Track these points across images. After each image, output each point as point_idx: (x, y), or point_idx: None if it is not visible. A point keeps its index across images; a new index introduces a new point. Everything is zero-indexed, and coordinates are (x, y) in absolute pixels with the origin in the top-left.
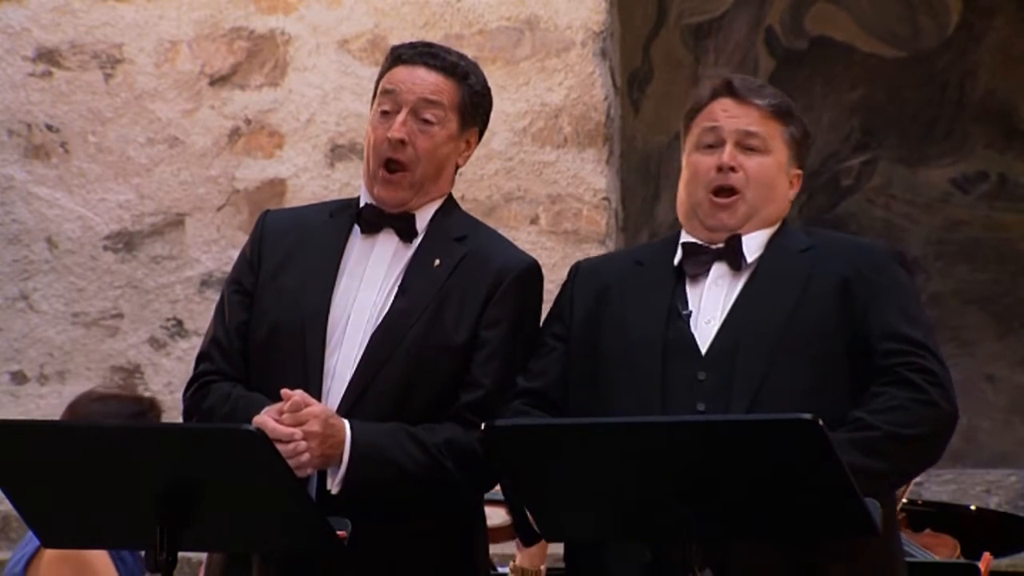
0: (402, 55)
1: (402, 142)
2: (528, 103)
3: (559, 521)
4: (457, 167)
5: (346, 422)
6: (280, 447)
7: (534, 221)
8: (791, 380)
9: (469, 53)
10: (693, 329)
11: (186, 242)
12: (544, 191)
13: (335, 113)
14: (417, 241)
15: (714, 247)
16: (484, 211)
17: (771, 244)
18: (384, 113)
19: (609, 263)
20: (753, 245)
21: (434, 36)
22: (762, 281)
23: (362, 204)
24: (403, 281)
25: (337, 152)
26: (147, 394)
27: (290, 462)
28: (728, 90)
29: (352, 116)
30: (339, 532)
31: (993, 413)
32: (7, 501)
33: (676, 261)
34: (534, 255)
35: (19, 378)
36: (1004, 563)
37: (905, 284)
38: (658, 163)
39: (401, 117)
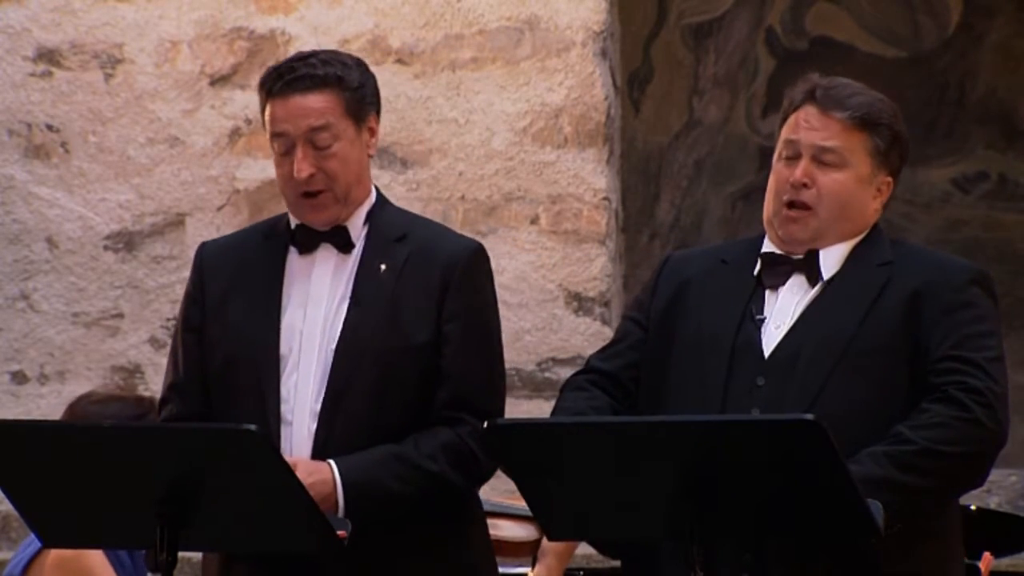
0: (271, 89)
1: (311, 175)
2: (528, 103)
3: (561, 520)
4: (370, 158)
5: (333, 467)
6: None
7: (534, 221)
8: (849, 393)
9: (469, 53)
10: (762, 334)
11: (186, 242)
12: (544, 191)
13: None
14: (357, 251)
15: (794, 258)
16: (484, 211)
17: (852, 256)
18: (281, 155)
19: (697, 258)
20: (832, 260)
21: (434, 36)
22: (834, 292)
23: (293, 226)
24: (353, 292)
25: None
26: (147, 394)
27: None
28: (812, 98)
29: None
30: (339, 532)
31: None
32: (7, 501)
33: (755, 271)
34: (534, 255)
35: (19, 378)
36: (1004, 563)
37: (978, 306)
38: (658, 163)
39: (299, 154)
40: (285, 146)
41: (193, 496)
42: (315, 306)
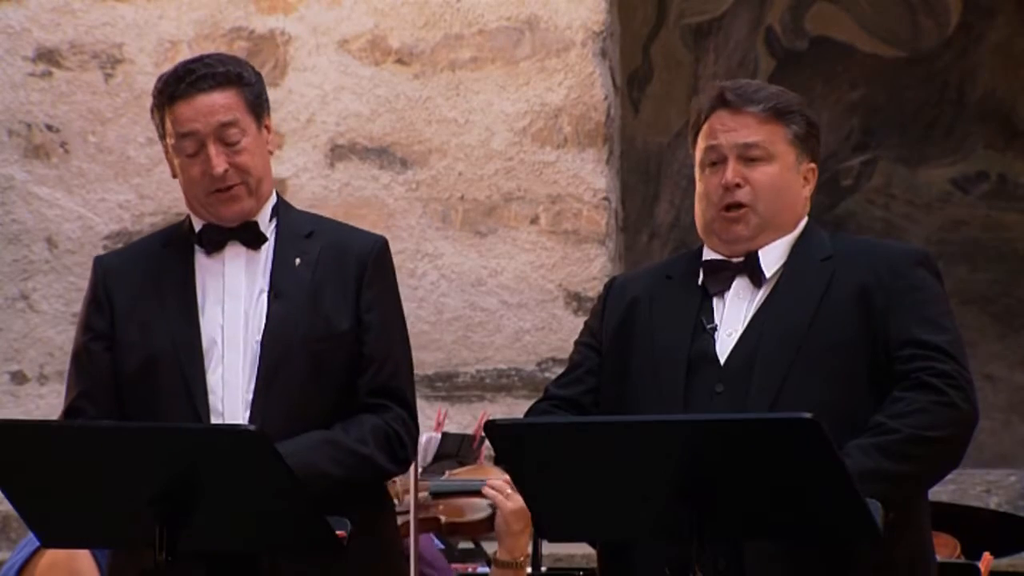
0: (174, 92)
1: (226, 171)
2: (528, 103)
3: (559, 520)
4: (271, 154)
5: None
6: None
7: (534, 221)
8: (807, 392)
9: (469, 53)
10: (716, 342)
11: None
12: (544, 191)
13: (335, 113)
14: (268, 246)
15: (734, 261)
16: (484, 211)
17: (793, 253)
18: (190, 155)
19: (641, 278)
20: (772, 258)
21: (434, 36)
22: (781, 293)
23: (197, 228)
24: (272, 285)
25: (337, 152)
26: None
27: None
28: (722, 102)
29: (352, 116)
30: (338, 532)
31: (993, 413)
32: (7, 501)
33: (700, 281)
34: (534, 255)
35: (19, 378)
36: (1004, 563)
37: (926, 287)
38: (658, 163)
39: (213, 150)
40: (195, 146)
41: (192, 496)
42: (233, 300)
